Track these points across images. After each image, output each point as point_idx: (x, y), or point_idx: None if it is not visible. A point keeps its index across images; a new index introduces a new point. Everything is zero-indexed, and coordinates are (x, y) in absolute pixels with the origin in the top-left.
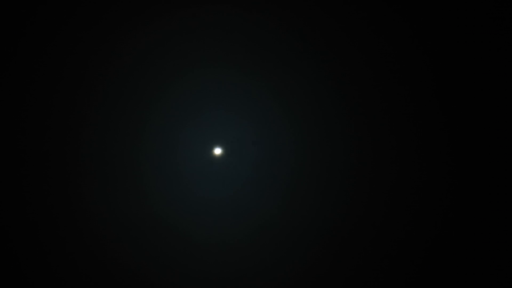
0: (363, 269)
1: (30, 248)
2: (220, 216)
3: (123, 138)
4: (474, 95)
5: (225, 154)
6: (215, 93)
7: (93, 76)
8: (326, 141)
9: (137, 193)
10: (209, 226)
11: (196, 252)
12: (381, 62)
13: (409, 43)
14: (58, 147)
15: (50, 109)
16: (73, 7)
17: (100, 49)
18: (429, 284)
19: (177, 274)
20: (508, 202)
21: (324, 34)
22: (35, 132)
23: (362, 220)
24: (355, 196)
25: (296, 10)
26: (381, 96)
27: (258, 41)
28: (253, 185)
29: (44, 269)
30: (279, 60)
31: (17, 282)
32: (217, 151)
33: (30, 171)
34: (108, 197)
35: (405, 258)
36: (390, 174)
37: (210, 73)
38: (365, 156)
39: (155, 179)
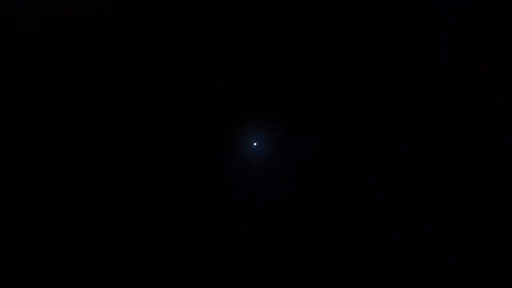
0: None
1: (30, 248)
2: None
3: (123, 138)
4: (474, 95)
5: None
6: (215, 92)
7: (95, 76)
8: (325, 141)
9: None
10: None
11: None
12: (381, 62)
13: (409, 42)
14: (58, 147)
15: (50, 109)
16: (73, 7)
17: (100, 48)
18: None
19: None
20: (509, 202)
21: (324, 33)
22: (34, 132)
23: (362, 220)
24: (355, 195)
25: (296, 10)
26: (381, 95)
27: (259, 39)
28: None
29: (44, 269)
30: (280, 59)
31: (17, 282)
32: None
33: (30, 171)
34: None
35: (404, 260)
36: (390, 174)
37: (210, 73)
38: (365, 156)
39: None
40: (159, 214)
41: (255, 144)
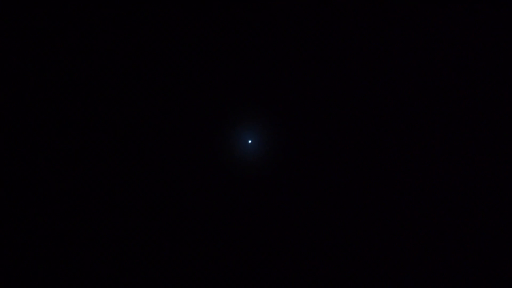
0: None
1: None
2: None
3: (116, 133)
4: (474, 95)
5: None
6: (212, 92)
7: (92, 75)
8: (326, 138)
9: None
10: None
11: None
12: (380, 61)
13: (409, 43)
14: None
15: (48, 108)
16: (72, 7)
17: (97, 47)
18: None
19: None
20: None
21: (321, 30)
22: (34, 132)
23: (362, 220)
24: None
25: (296, 10)
26: (381, 95)
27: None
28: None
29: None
30: (281, 57)
31: (17, 282)
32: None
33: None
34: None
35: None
36: (388, 173)
37: (209, 74)
38: (366, 155)
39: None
40: (152, 210)
41: (249, 141)
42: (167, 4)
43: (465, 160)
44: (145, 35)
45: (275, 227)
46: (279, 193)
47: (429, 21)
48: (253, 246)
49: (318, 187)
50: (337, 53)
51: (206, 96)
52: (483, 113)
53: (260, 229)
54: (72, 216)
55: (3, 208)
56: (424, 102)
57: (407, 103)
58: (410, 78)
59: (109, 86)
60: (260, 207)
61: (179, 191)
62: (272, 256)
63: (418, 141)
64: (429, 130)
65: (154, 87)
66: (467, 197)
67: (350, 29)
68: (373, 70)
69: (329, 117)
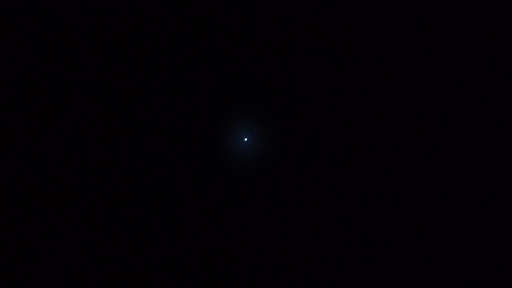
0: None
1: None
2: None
3: (113, 132)
4: (475, 95)
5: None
6: (209, 91)
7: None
8: (326, 138)
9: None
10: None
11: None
12: (381, 61)
13: (409, 43)
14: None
15: (49, 108)
16: (73, 7)
17: (99, 48)
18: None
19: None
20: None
21: (324, 33)
22: (33, 132)
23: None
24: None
25: (296, 10)
26: (382, 93)
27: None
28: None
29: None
30: (281, 57)
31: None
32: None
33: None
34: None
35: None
36: (385, 171)
37: (206, 73)
38: (366, 155)
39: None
40: (149, 206)
41: (245, 139)
42: (167, 4)
43: (463, 160)
44: (144, 35)
45: (271, 222)
46: (275, 189)
47: (427, 21)
48: (249, 242)
49: (312, 183)
50: (330, 52)
51: (204, 94)
52: (483, 113)
53: (257, 224)
54: (71, 215)
55: (3, 208)
56: (421, 101)
57: (401, 101)
58: (405, 78)
59: (108, 86)
60: (256, 202)
61: (176, 187)
62: (269, 251)
63: (413, 139)
64: (425, 129)
65: (152, 86)
66: (465, 197)
67: (342, 28)
68: (365, 68)
69: (323, 115)
